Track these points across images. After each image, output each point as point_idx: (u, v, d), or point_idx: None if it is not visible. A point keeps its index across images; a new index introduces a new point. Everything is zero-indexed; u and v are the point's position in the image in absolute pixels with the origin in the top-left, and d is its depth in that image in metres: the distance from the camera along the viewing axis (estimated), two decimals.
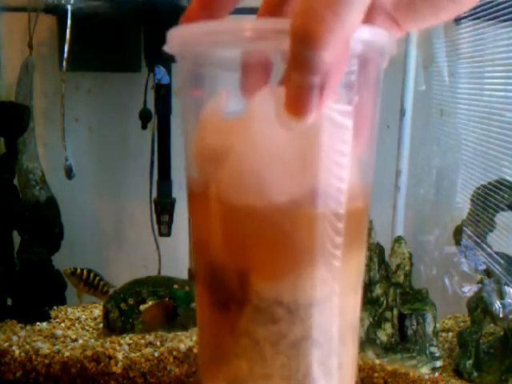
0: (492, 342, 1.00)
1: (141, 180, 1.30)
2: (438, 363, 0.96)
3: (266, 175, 0.24)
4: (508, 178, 1.04)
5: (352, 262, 0.27)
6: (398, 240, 1.04)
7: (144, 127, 1.24)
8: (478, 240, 1.08)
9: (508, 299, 0.93)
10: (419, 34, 1.21)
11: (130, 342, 0.96)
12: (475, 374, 0.94)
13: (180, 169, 1.22)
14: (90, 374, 0.90)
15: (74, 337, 1.00)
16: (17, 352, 0.92)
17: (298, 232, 0.25)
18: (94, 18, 1.18)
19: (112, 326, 1.01)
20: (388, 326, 0.96)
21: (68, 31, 1.14)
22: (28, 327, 1.03)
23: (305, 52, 0.21)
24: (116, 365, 0.90)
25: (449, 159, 1.31)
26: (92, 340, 0.98)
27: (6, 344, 0.93)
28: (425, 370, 0.94)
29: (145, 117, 1.23)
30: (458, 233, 1.14)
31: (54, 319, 1.08)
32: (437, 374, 0.94)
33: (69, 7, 1.14)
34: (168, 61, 1.18)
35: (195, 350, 0.92)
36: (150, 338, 0.97)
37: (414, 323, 0.96)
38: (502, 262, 1.02)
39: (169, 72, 1.17)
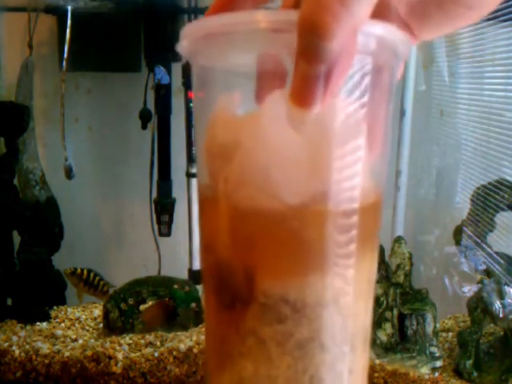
0: (492, 342, 1.00)
1: (141, 180, 1.29)
2: (438, 363, 0.96)
3: (273, 174, 0.24)
4: (508, 177, 1.04)
5: (364, 265, 0.26)
6: (398, 240, 1.04)
7: (144, 127, 1.24)
8: (478, 240, 1.08)
9: (508, 299, 0.93)
10: None
11: (130, 341, 0.96)
12: (475, 373, 0.93)
13: (180, 169, 1.22)
14: (90, 373, 0.90)
15: (74, 337, 1.00)
16: (17, 352, 0.92)
17: (307, 231, 0.24)
18: (93, 18, 1.18)
19: (112, 326, 1.01)
20: (388, 326, 0.96)
21: (68, 31, 1.14)
22: (28, 327, 1.03)
23: (312, 41, 0.21)
24: (116, 365, 0.90)
25: (449, 159, 1.31)
26: (92, 340, 0.98)
27: (6, 344, 0.93)
28: (425, 370, 0.94)
29: (145, 117, 1.23)
30: (457, 233, 1.14)
31: (54, 319, 1.08)
32: (437, 374, 0.94)
33: (69, 7, 1.14)
34: (168, 61, 1.18)
35: (195, 350, 0.92)
36: (150, 337, 0.96)
37: (414, 323, 0.96)
38: (502, 262, 1.02)
39: (169, 72, 1.17)
